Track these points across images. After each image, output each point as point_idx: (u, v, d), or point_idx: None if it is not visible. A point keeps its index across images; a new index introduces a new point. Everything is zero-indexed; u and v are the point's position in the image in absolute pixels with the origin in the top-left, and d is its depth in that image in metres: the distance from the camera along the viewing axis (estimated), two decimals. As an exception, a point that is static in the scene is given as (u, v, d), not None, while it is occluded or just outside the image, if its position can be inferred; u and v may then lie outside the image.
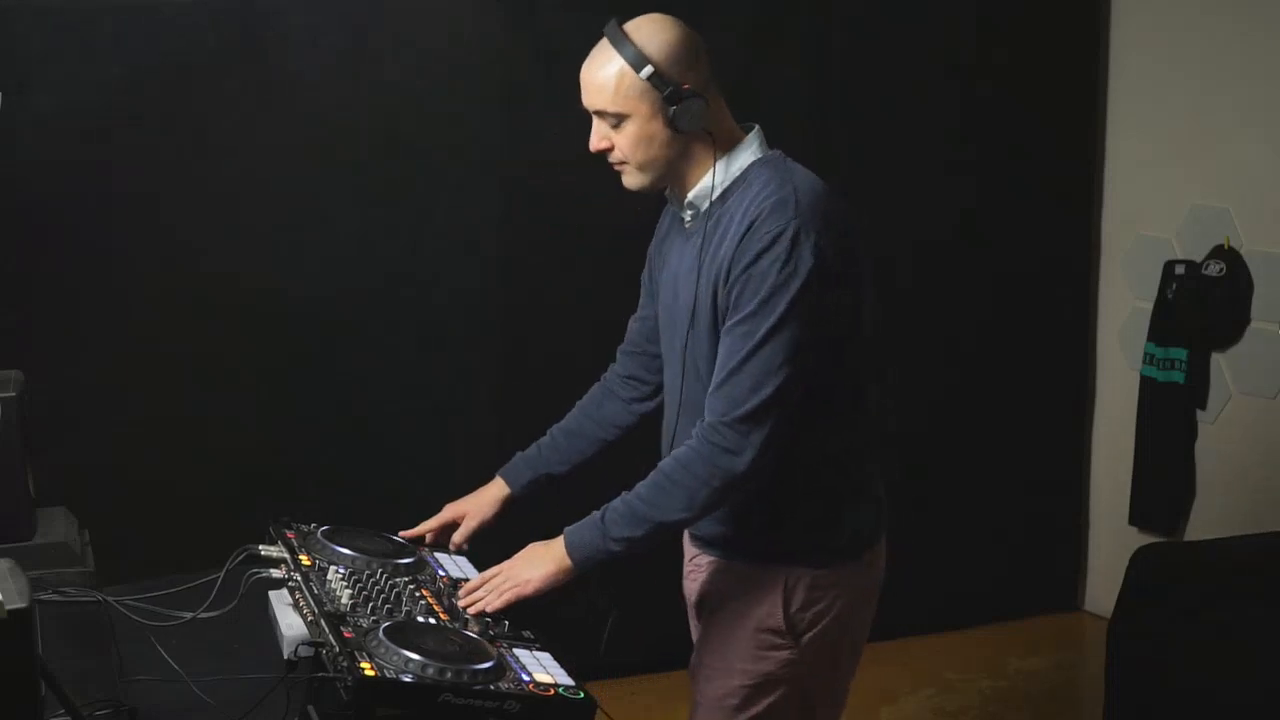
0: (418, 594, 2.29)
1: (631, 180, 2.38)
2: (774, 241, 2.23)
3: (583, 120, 2.38)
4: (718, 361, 2.29)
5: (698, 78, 2.31)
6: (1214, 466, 4.49)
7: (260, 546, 2.37)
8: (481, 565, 2.45)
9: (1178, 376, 4.49)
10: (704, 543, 2.51)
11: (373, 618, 2.12)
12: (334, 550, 2.39)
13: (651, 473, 2.33)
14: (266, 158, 3.78)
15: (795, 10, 4.29)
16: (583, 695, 2.02)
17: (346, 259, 3.89)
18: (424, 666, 1.96)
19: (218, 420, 3.80)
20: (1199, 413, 4.50)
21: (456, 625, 2.21)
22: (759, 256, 2.23)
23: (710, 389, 2.29)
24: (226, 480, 3.75)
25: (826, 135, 4.33)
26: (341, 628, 2.04)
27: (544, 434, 2.70)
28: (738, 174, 2.34)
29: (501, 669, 2.03)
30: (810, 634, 2.41)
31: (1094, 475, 4.90)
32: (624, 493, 2.33)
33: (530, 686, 2.01)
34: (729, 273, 2.27)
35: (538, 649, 2.17)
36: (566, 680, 2.06)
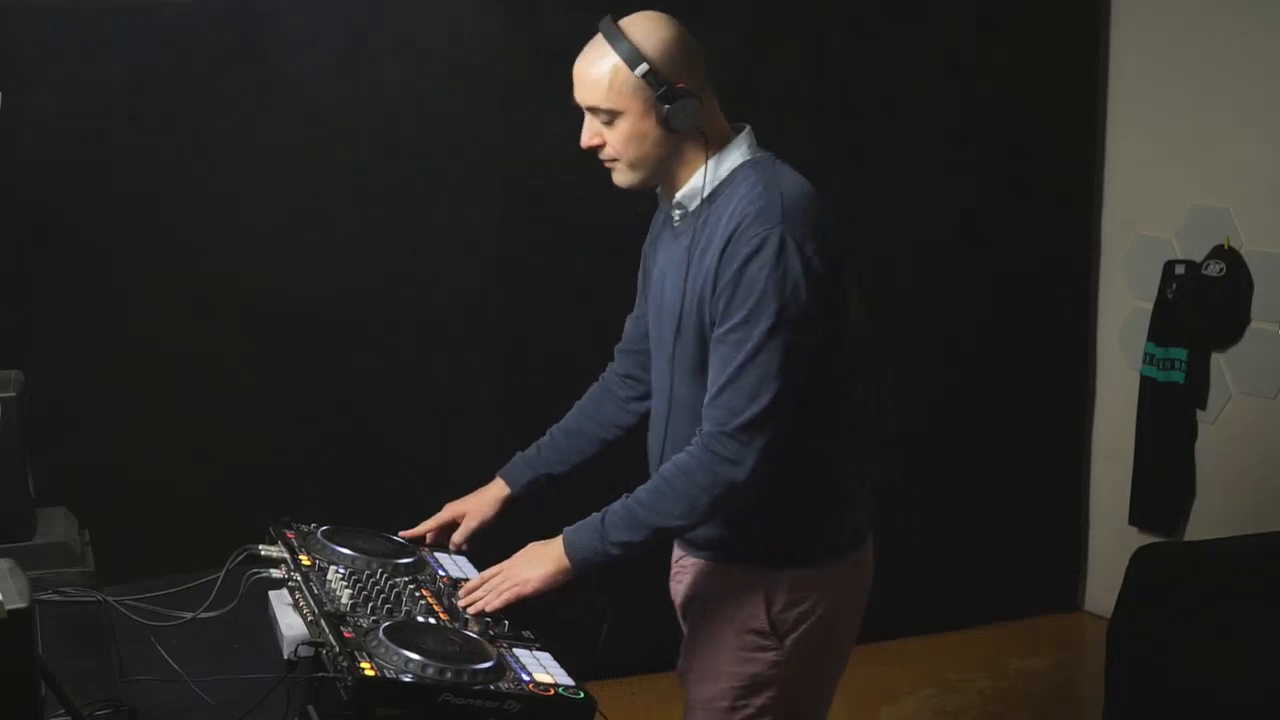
0: (418, 594, 2.28)
1: (621, 178, 2.37)
2: (760, 247, 2.22)
3: (583, 121, 2.38)
4: (712, 371, 2.29)
5: (692, 76, 2.30)
6: (1214, 466, 4.49)
7: (260, 546, 2.37)
8: (481, 565, 2.45)
9: (1178, 376, 4.49)
10: (689, 544, 2.51)
11: (373, 618, 2.12)
12: (334, 550, 2.39)
13: (652, 477, 2.33)
14: (266, 158, 3.78)
15: (795, 10, 4.29)
16: (583, 695, 2.02)
17: (346, 259, 3.89)
18: (424, 666, 1.96)
19: (218, 420, 3.80)
20: (1199, 413, 4.49)
21: (456, 625, 2.20)
22: (746, 263, 2.23)
23: (707, 399, 2.29)
24: (226, 480, 3.75)
25: (826, 135, 4.33)
26: (341, 628, 2.04)
27: (544, 434, 2.70)
28: (726, 175, 2.34)
29: (501, 669, 2.03)
30: (794, 635, 2.41)
31: (1094, 475, 4.90)
32: (625, 495, 2.33)
33: (530, 686, 2.01)
34: (716, 279, 2.27)
35: (538, 649, 2.17)
36: (566, 680, 2.06)
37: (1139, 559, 3.59)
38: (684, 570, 2.55)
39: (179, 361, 3.75)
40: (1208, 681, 3.31)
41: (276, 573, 2.30)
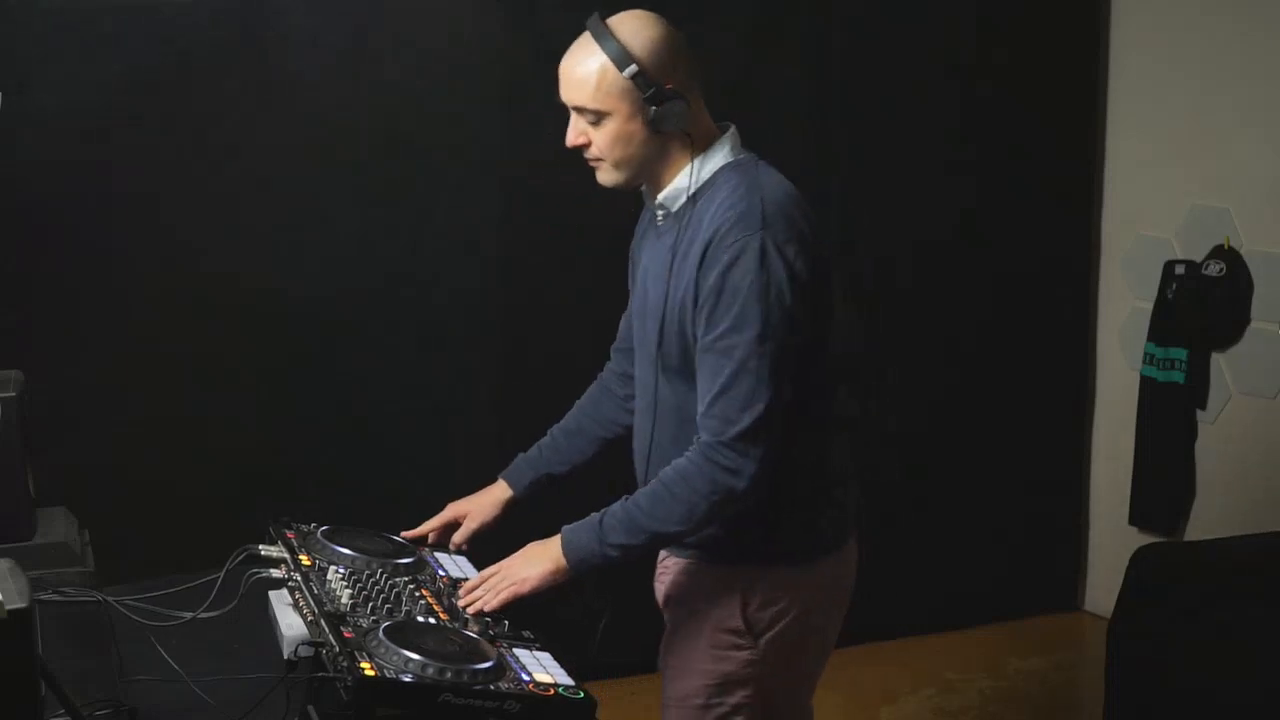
0: (418, 594, 2.29)
1: (606, 177, 2.37)
2: (741, 254, 2.22)
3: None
4: (702, 380, 2.28)
5: (679, 77, 2.29)
6: (1214, 466, 4.49)
7: (260, 546, 2.37)
8: (481, 565, 2.45)
9: (1178, 376, 4.49)
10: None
11: (373, 618, 2.12)
12: (334, 550, 2.39)
13: (652, 481, 2.33)
14: (266, 158, 3.77)
15: (795, 10, 4.29)
16: (583, 695, 2.02)
17: (346, 259, 3.89)
18: (424, 666, 1.96)
19: (218, 420, 3.80)
20: (1199, 413, 4.49)
21: (456, 625, 2.21)
22: (728, 270, 2.22)
23: (701, 410, 2.28)
24: (226, 480, 3.75)
25: (826, 135, 4.33)
26: (341, 628, 2.04)
27: (544, 434, 2.70)
28: (709, 177, 2.33)
29: (501, 669, 2.03)
30: (770, 634, 2.41)
31: (1094, 475, 4.90)
32: (624, 498, 2.33)
33: (530, 686, 2.01)
34: (697, 286, 2.26)
35: (538, 649, 2.17)
36: (566, 680, 2.06)
37: (1139, 559, 3.59)
38: (666, 570, 2.56)
39: (179, 361, 3.75)
40: (1208, 681, 3.31)
41: (276, 573, 2.30)
